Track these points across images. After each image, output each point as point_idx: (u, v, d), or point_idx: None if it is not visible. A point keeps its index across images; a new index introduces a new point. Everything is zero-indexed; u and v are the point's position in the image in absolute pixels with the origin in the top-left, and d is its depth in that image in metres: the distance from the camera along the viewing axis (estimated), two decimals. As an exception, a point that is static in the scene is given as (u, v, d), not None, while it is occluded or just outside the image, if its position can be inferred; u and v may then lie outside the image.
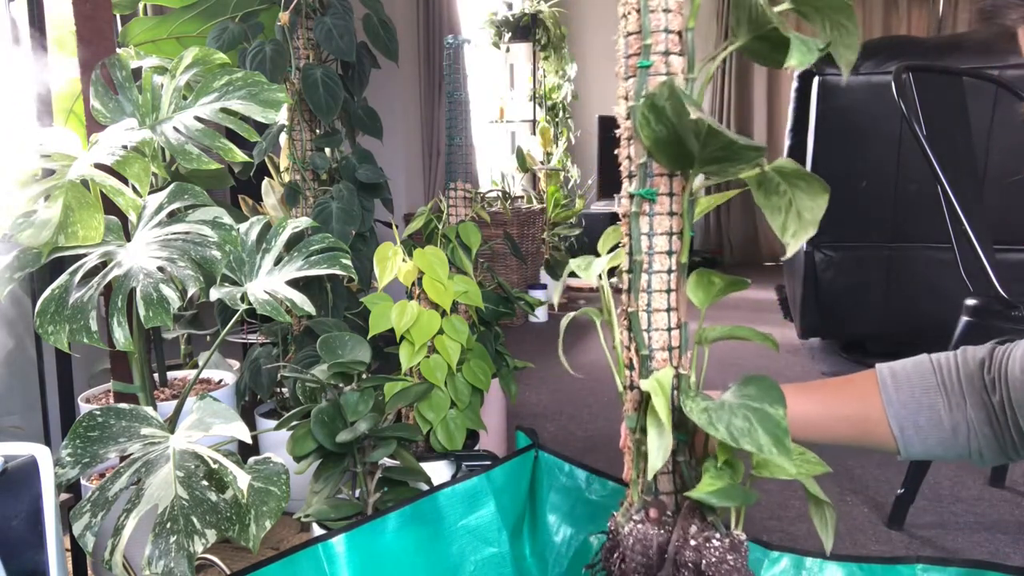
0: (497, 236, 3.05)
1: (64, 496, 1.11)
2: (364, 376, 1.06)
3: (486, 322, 1.59)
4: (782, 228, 0.52)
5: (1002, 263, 1.44)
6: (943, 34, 4.82)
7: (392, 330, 1.32)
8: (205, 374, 1.53)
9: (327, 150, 1.61)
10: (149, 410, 0.90)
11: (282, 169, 1.64)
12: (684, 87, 0.55)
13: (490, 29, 4.56)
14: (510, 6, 4.82)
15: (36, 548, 0.73)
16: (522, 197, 3.98)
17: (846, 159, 2.39)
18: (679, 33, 0.56)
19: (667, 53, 0.56)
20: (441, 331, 1.36)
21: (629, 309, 0.59)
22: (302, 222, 1.30)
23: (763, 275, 4.69)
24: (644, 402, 0.59)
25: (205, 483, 0.81)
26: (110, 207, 1.02)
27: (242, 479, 0.77)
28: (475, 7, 4.56)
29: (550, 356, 2.89)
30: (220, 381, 1.51)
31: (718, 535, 0.56)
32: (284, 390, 1.59)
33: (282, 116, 1.53)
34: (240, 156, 1.06)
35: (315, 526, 1.00)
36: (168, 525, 0.76)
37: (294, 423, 1.04)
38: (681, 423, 0.58)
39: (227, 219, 1.01)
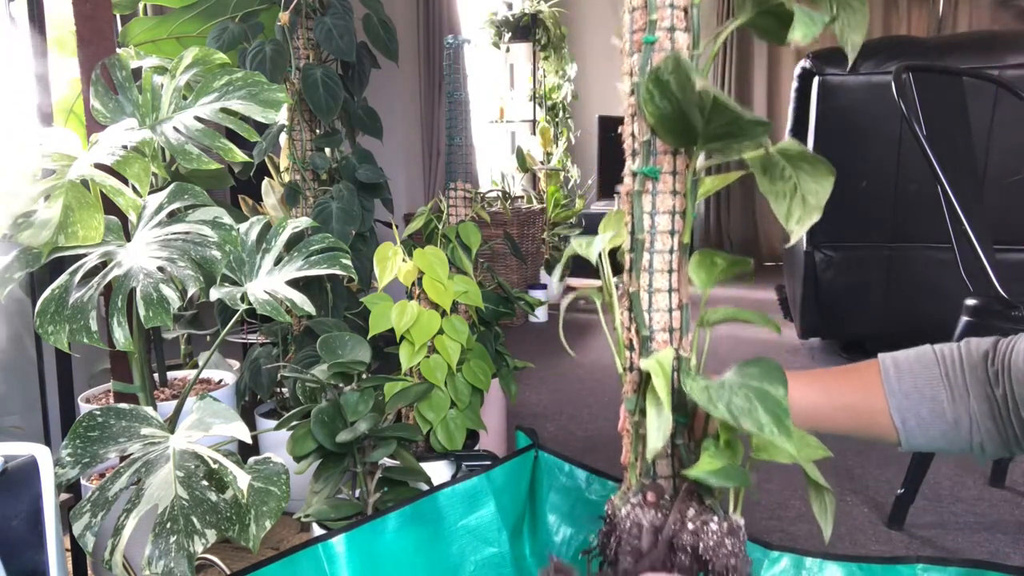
0: (497, 236, 3.05)
1: (64, 496, 1.11)
2: (364, 376, 1.06)
3: (486, 322, 1.59)
4: (787, 214, 0.51)
5: (1002, 263, 1.43)
6: (943, 34, 4.82)
7: (392, 330, 1.32)
8: (205, 374, 1.53)
9: (327, 150, 1.61)
10: (149, 410, 0.90)
11: (282, 169, 1.64)
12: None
13: (490, 29, 4.56)
14: (510, 6, 4.82)
15: (36, 548, 0.73)
16: (522, 197, 3.97)
17: (846, 159, 2.39)
18: (684, 9, 0.55)
19: (672, 29, 0.55)
20: (441, 331, 1.36)
21: (630, 289, 0.58)
22: (302, 222, 1.30)
23: (763, 275, 4.69)
24: (644, 383, 0.58)
25: (205, 483, 0.81)
26: (110, 207, 1.02)
27: (242, 479, 0.77)
28: (475, 7, 4.56)
29: (550, 356, 2.89)
30: (220, 381, 1.51)
31: (716, 519, 0.54)
32: (284, 390, 1.59)
33: (282, 116, 1.53)
34: (240, 156, 1.06)
35: (315, 526, 1.00)
36: (168, 525, 0.76)
37: (294, 423, 1.04)
38: (680, 405, 0.57)
39: (227, 219, 1.01)
